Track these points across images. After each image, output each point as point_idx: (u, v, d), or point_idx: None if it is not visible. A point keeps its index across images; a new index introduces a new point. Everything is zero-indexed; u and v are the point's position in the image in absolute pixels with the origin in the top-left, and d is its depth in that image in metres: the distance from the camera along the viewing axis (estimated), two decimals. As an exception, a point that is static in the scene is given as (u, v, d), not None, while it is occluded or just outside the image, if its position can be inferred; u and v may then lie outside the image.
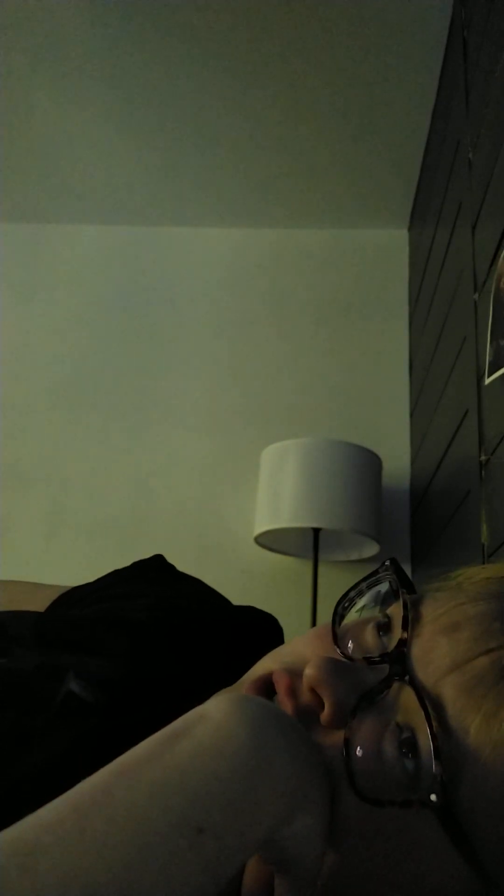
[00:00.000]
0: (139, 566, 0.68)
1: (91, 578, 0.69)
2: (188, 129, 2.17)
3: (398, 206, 2.41)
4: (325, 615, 1.65)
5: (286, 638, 0.62)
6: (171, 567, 0.69)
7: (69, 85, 2.04)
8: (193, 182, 2.38)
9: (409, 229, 2.48)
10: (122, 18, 1.83)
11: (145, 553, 0.71)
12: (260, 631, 0.63)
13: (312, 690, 0.41)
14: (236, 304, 2.48)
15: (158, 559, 0.69)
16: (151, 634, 0.56)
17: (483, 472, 1.25)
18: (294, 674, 0.42)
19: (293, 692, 0.41)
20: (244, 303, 2.48)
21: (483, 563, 1.18)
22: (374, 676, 0.40)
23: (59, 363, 2.45)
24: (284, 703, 0.41)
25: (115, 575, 0.67)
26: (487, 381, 1.21)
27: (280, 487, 1.93)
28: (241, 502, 2.21)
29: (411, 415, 2.27)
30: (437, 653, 0.40)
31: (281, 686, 0.42)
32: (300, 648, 0.45)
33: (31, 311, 2.51)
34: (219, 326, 2.46)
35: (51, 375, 2.44)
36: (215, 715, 0.35)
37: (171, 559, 0.71)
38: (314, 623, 1.86)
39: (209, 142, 2.21)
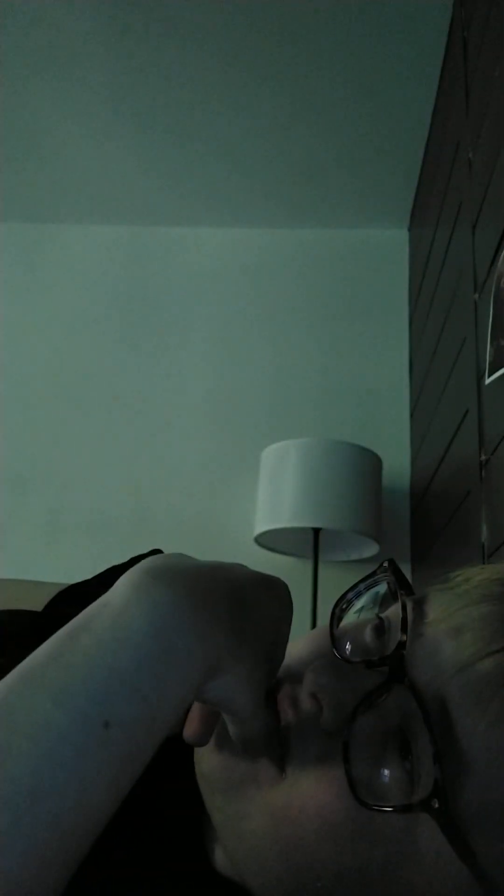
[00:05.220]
0: (137, 562, 0.67)
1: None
2: (188, 130, 2.17)
3: (398, 206, 2.40)
4: (325, 615, 1.65)
5: None
6: None
7: (69, 85, 2.04)
8: (193, 182, 2.37)
9: (409, 229, 2.48)
10: (123, 18, 1.83)
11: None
12: None
13: (312, 696, 0.40)
14: (236, 303, 2.48)
15: (156, 554, 0.68)
16: None
17: (483, 472, 1.25)
18: (293, 679, 0.42)
19: (294, 701, 0.41)
20: (244, 302, 2.48)
21: (483, 563, 1.18)
22: (373, 679, 0.40)
23: (58, 363, 2.45)
24: (286, 714, 0.41)
25: (113, 571, 0.66)
26: (487, 381, 1.21)
27: (280, 487, 1.93)
28: (241, 502, 2.21)
29: (411, 415, 2.27)
30: (441, 655, 0.39)
31: (282, 695, 0.42)
32: (298, 651, 0.45)
33: (31, 311, 2.51)
34: (219, 326, 2.46)
35: (51, 375, 2.44)
36: (114, 602, 0.34)
37: (170, 560, 0.70)
38: (314, 623, 1.86)
39: (209, 142, 2.21)
